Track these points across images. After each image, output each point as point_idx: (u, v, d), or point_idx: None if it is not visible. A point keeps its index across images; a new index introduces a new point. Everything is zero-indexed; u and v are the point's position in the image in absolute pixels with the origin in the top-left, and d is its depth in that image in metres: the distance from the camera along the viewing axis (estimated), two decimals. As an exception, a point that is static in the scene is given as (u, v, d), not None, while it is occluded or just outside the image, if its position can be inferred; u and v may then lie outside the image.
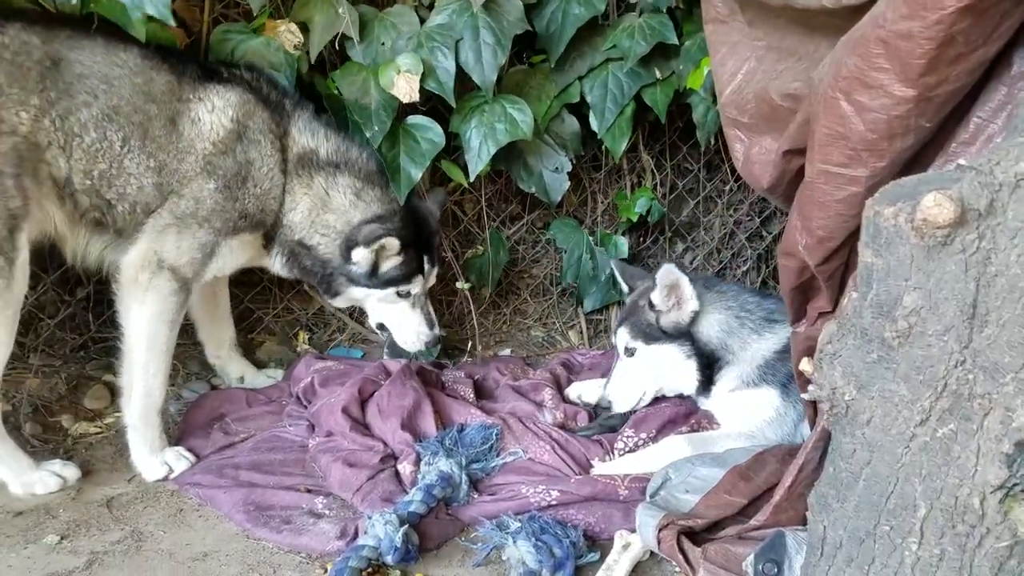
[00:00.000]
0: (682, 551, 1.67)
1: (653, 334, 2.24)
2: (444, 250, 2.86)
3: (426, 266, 2.43)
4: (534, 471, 2.07)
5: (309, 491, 2.02)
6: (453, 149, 2.70)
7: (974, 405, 1.08)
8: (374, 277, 2.34)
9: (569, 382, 2.63)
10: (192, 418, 2.35)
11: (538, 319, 3.25)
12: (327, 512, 1.94)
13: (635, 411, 2.36)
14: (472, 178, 2.59)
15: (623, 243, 3.05)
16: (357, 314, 2.92)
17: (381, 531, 1.73)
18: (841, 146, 1.45)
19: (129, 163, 2.02)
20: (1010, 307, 1.03)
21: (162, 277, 2.09)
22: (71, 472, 2.05)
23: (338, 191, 2.27)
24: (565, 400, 2.49)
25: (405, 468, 2.05)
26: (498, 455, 2.15)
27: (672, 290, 2.21)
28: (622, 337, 2.31)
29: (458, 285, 2.80)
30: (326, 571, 1.76)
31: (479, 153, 2.53)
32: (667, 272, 2.17)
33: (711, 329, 2.25)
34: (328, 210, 2.27)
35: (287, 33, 2.39)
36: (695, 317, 2.23)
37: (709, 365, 2.24)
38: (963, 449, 1.10)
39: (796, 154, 1.72)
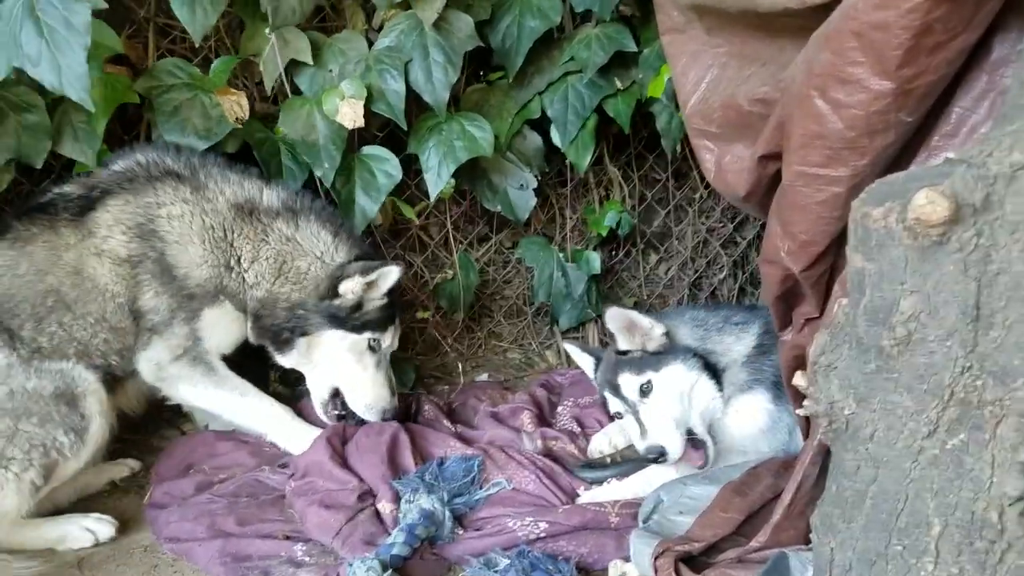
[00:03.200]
0: (681, 580, 1.58)
1: (653, 362, 2.08)
2: (409, 279, 2.78)
3: (395, 320, 2.31)
4: (520, 502, 1.97)
5: (288, 538, 1.89)
6: (415, 174, 2.62)
7: (985, 413, 1.01)
8: (355, 317, 2.20)
9: (551, 403, 2.54)
10: (163, 468, 2.23)
11: (514, 341, 3.17)
12: (307, 559, 1.82)
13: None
14: (433, 198, 2.49)
15: (595, 258, 2.98)
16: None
17: (362, 579, 1.62)
18: (819, 146, 1.39)
19: (81, 333, 2.04)
20: (1016, 307, 0.97)
21: (174, 369, 2.14)
22: (105, 529, 1.95)
23: (308, 236, 2.20)
24: (545, 424, 2.40)
25: (385, 507, 1.94)
26: (481, 487, 2.04)
27: (631, 327, 2.12)
28: (629, 382, 2.07)
29: (419, 315, 2.73)
30: (306, 626, 1.65)
31: (439, 172, 2.44)
32: (614, 314, 2.10)
33: (687, 341, 2.17)
34: (299, 256, 2.18)
35: (235, 105, 2.30)
36: (670, 340, 2.14)
37: (715, 375, 2.13)
38: (976, 460, 1.03)
39: (772, 159, 1.66)
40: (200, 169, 2.18)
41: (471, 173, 2.61)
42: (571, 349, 2.45)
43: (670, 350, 2.12)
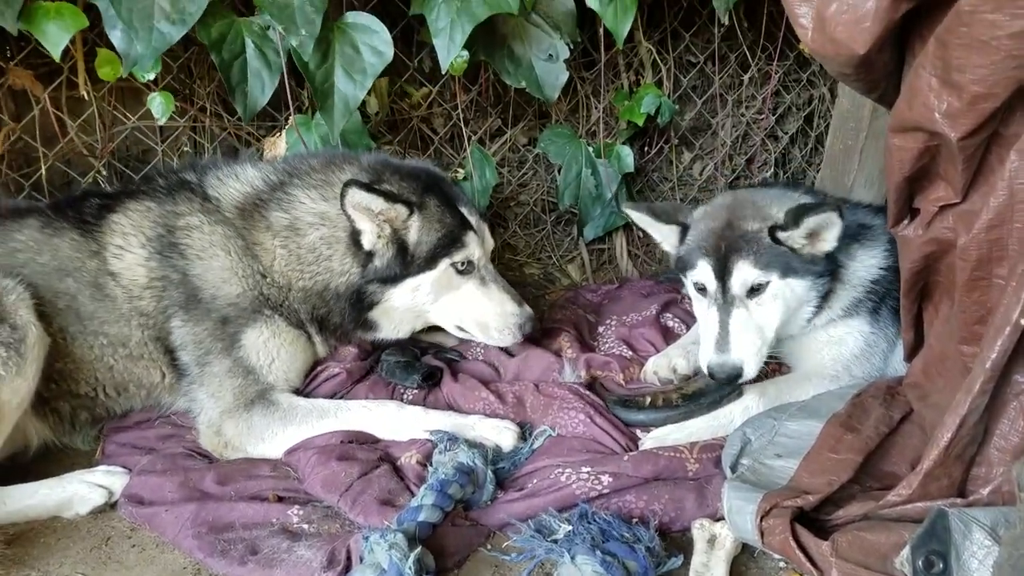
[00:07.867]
0: (800, 546, 1.23)
1: (792, 265, 1.67)
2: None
3: (470, 219, 1.83)
4: (571, 449, 1.60)
5: (281, 499, 1.54)
6: (418, 48, 2.12)
7: None
8: (411, 259, 1.76)
9: (589, 324, 2.15)
10: (119, 421, 1.81)
11: (531, 254, 2.76)
12: (305, 527, 1.46)
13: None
14: (445, 67, 1.99)
15: (627, 153, 2.53)
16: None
17: (383, 557, 1.26)
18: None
19: (81, 350, 1.71)
20: None
21: (230, 429, 1.69)
22: (118, 481, 1.62)
23: (301, 207, 1.78)
24: (587, 348, 2.01)
25: (411, 459, 1.57)
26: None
27: (818, 233, 1.67)
28: (745, 273, 1.67)
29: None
30: (312, 616, 1.29)
31: (451, 36, 1.92)
32: (828, 219, 1.63)
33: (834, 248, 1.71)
34: (302, 233, 1.76)
35: None
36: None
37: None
38: None
39: (908, -5, 1.22)
40: (206, 174, 1.86)
41: (489, 41, 2.11)
42: (636, 216, 1.87)
43: (815, 261, 1.69)
